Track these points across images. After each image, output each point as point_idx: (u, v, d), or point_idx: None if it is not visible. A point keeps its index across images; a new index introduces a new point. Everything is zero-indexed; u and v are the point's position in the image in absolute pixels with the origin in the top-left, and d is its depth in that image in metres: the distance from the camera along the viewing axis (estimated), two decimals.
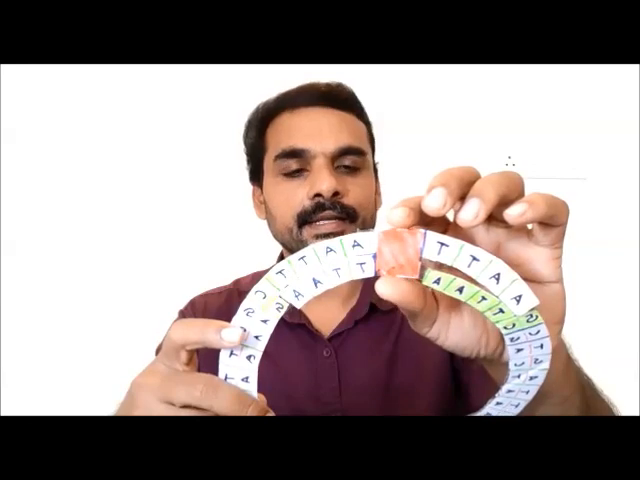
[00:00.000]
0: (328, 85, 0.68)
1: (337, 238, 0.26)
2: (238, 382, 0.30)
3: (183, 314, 0.72)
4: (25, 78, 1.19)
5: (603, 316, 1.23)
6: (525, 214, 0.25)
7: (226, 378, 0.30)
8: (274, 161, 0.65)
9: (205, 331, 0.29)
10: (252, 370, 0.30)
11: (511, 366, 0.29)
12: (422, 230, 0.25)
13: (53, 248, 1.20)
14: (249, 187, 0.74)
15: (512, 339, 0.28)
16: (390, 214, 0.25)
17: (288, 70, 0.77)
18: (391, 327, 0.67)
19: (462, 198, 0.26)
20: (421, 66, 1.22)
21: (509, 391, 0.30)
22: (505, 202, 0.25)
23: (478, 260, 0.25)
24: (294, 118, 0.66)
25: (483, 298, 0.26)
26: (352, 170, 0.64)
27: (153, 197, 1.24)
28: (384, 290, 0.25)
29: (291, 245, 0.65)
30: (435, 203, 0.25)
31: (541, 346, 0.28)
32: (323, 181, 0.60)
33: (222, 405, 0.29)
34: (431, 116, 1.26)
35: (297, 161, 0.63)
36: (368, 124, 0.70)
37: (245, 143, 0.73)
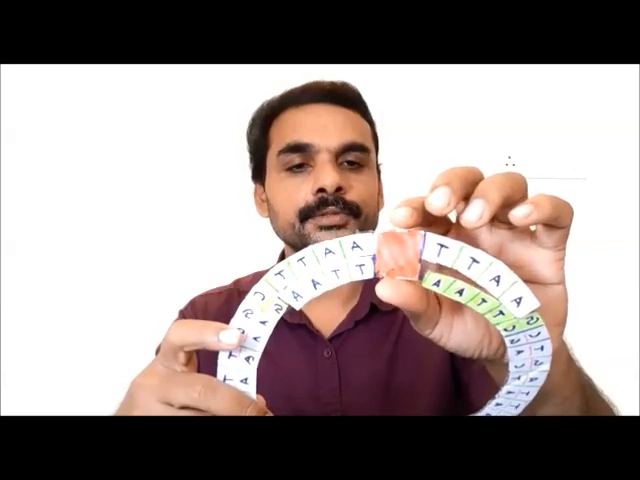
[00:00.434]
0: (333, 83, 0.68)
1: (336, 239, 0.26)
2: (237, 383, 0.30)
3: (183, 314, 0.72)
4: (25, 78, 1.19)
5: (603, 316, 1.23)
6: (530, 215, 0.25)
7: (225, 379, 0.30)
8: (277, 156, 0.65)
9: (203, 333, 0.29)
10: (251, 371, 0.29)
11: (511, 368, 0.29)
12: (422, 232, 0.25)
13: (53, 248, 1.20)
14: (250, 187, 0.74)
15: (512, 341, 0.28)
16: (393, 214, 0.25)
17: (290, 70, 0.77)
18: (391, 327, 0.66)
19: (465, 198, 0.26)
20: (421, 66, 1.22)
21: (509, 392, 0.30)
22: (509, 203, 0.25)
23: (478, 262, 0.25)
24: (299, 114, 0.66)
25: (483, 300, 0.26)
26: (356, 166, 0.64)
27: (154, 197, 1.24)
28: (385, 292, 0.25)
29: (294, 240, 0.65)
30: (439, 202, 0.24)
31: (541, 348, 0.28)
32: (327, 176, 0.60)
33: (220, 406, 0.29)
34: (431, 116, 1.26)
35: (301, 156, 0.63)
36: (372, 123, 0.71)
37: (248, 140, 0.73)
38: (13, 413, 1.12)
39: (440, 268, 0.26)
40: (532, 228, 0.29)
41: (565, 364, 0.33)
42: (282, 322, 0.29)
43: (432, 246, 0.25)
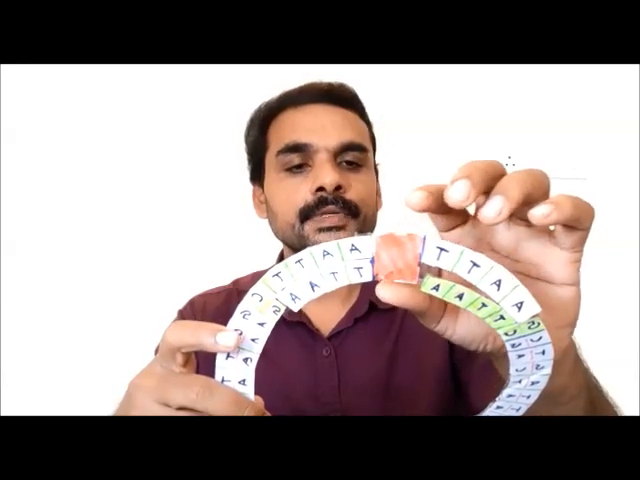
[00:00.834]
0: (330, 84, 0.68)
1: (334, 241, 0.26)
2: (235, 384, 0.30)
3: (182, 314, 0.72)
4: (25, 78, 1.19)
5: (603, 316, 1.23)
6: (550, 215, 0.24)
7: (223, 380, 0.29)
8: (276, 156, 0.65)
9: (200, 334, 0.29)
10: (249, 372, 0.29)
11: (512, 371, 0.29)
12: (421, 235, 0.25)
13: (53, 248, 1.20)
14: (249, 187, 0.74)
15: (513, 345, 0.27)
16: (409, 196, 0.25)
17: (288, 70, 0.77)
18: (391, 326, 0.66)
19: (485, 192, 0.25)
20: (421, 66, 1.22)
21: (510, 395, 0.30)
22: (529, 201, 0.25)
23: (479, 266, 0.25)
24: (297, 114, 0.66)
25: (483, 305, 0.25)
26: (354, 166, 0.64)
27: (153, 197, 1.24)
28: (385, 294, 0.25)
29: (293, 241, 0.65)
30: (458, 195, 0.24)
31: (543, 352, 0.27)
32: (326, 175, 0.60)
33: (218, 407, 0.29)
34: (431, 116, 1.26)
35: (299, 156, 0.63)
36: (369, 124, 0.71)
37: (246, 142, 0.73)
38: (13, 413, 1.12)
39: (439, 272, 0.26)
40: (551, 227, 0.28)
41: (572, 363, 0.33)
42: (281, 320, 0.29)
43: (431, 249, 0.25)
